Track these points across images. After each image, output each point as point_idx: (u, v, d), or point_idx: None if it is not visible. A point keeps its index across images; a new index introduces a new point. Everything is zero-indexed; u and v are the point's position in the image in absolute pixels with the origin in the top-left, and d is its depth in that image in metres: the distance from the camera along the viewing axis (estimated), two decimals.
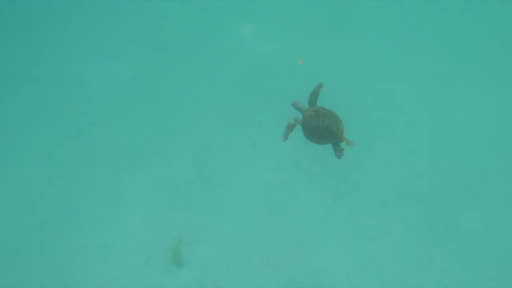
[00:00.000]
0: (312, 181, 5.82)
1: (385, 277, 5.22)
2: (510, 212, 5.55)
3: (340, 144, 4.26)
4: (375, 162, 5.93)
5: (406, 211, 5.58)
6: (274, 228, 5.53)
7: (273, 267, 5.28)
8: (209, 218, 5.62)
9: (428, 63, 6.89)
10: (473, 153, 6.02)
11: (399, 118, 6.33)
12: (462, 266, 5.25)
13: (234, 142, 6.14)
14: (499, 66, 6.75)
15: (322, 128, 4.08)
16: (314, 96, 4.57)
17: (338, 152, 4.19)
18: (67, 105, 6.38)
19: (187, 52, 7.02)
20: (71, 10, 7.19)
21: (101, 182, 5.82)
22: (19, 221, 5.52)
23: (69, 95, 6.45)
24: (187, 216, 5.63)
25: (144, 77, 6.70)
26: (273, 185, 5.82)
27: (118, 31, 7.03)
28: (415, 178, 5.83)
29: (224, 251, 5.43)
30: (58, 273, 5.18)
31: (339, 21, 7.24)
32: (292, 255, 5.33)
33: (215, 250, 5.44)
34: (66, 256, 5.28)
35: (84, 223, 5.50)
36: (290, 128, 4.47)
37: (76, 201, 5.65)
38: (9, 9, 7.12)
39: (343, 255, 5.33)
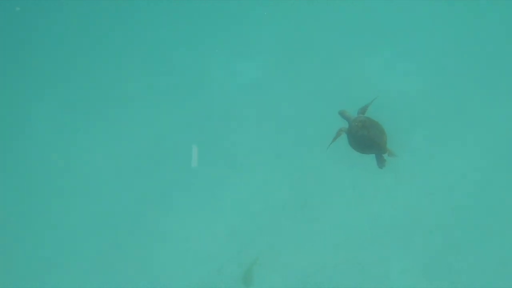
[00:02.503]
0: (411, 251, 5.49)
1: None
2: None
3: (383, 155, 4.40)
4: None
5: None
6: (356, 284, 5.29)
7: None
8: (291, 248, 5.48)
9: None
10: None
11: None
12: None
13: (339, 178, 5.88)
14: None
15: (367, 139, 4.25)
16: (366, 107, 4.67)
17: (380, 162, 4.38)
18: (192, 93, 6.32)
19: (318, 66, 6.68)
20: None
21: (199, 174, 5.81)
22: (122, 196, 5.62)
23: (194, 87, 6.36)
24: (271, 239, 5.52)
25: (268, 81, 6.47)
26: (367, 238, 5.54)
27: (251, 31, 6.73)
28: None
29: None
30: (132, 263, 5.35)
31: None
32: None
33: (286, 284, 5.31)
34: (143, 245, 5.45)
35: (169, 214, 5.60)
36: (335, 137, 4.59)
37: (168, 190, 5.71)
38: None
39: None
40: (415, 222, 5.61)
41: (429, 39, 6.54)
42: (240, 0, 6.76)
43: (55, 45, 6.61)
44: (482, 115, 6.05)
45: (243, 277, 5.35)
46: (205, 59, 6.48)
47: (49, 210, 5.76)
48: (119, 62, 6.45)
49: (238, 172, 5.83)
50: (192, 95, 6.29)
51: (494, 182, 5.69)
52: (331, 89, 6.48)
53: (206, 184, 5.71)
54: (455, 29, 6.55)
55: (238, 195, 5.71)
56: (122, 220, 5.60)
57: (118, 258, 5.42)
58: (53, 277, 5.42)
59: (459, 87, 6.25)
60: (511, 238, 5.44)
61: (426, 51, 6.44)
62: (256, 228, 5.54)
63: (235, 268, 5.36)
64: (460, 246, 5.46)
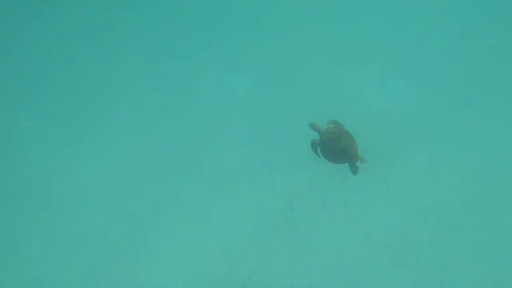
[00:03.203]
0: (403, 269, 5.42)
1: None
2: None
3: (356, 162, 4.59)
4: None
5: None
6: None
7: None
8: (283, 267, 5.42)
9: None
10: None
11: None
12: None
13: (331, 195, 5.83)
14: None
15: (339, 150, 4.40)
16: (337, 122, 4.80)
17: (354, 170, 4.55)
18: (181, 108, 6.29)
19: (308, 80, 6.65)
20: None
21: (188, 193, 5.77)
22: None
23: (185, 99, 6.34)
24: (262, 257, 5.46)
25: (259, 94, 6.45)
26: (360, 256, 5.48)
27: (244, 45, 6.75)
28: None
29: None
30: (121, 282, 5.31)
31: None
32: None
33: None
34: (133, 264, 5.41)
35: (160, 233, 5.54)
36: (314, 147, 4.76)
37: (157, 208, 5.68)
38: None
39: None
40: (407, 240, 5.59)
41: (424, 54, 6.60)
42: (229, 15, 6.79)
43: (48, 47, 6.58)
44: (474, 133, 6.09)
45: None
46: (196, 72, 6.48)
47: (36, 225, 5.67)
48: (111, 73, 6.42)
49: (228, 189, 5.78)
50: (181, 111, 6.27)
51: (486, 200, 5.69)
52: (322, 104, 6.48)
53: (197, 202, 5.65)
54: (447, 43, 6.62)
55: (229, 213, 5.65)
56: (111, 238, 5.50)
57: (107, 276, 5.32)
58: None
59: (451, 104, 6.29)
60: (504, 257, 5.42)
61: (420, 68, 6.49)
62: (248, 247, 5.46)
63: (227, 287, 5.28)
64: (452, 264, 5.44)
